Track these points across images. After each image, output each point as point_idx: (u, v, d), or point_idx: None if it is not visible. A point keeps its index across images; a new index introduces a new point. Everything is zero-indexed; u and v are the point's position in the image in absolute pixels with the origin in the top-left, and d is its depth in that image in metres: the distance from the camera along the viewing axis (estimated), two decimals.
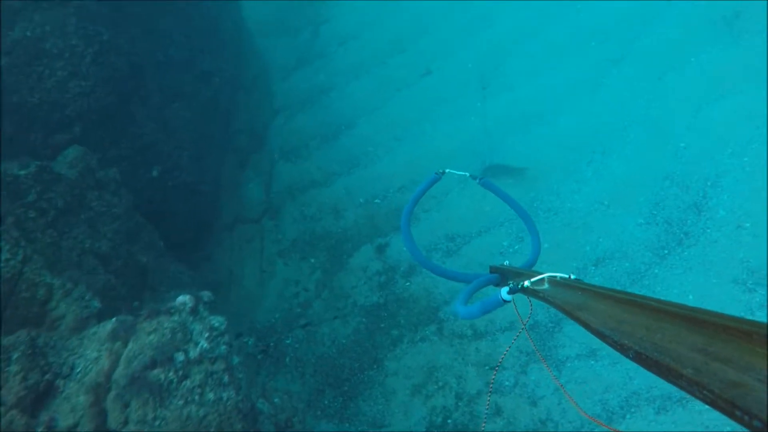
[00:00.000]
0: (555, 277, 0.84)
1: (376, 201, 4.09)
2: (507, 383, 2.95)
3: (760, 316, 2.81)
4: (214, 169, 4.33)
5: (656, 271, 3.22)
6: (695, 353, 0.44)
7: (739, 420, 0.37)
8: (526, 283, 0.86)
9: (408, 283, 3.51)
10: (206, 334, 1.72)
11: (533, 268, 1.03)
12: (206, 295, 1.87)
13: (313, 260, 3.91)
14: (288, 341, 3.45)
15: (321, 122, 4.86)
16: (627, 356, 0.51)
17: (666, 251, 3.27)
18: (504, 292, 0.92)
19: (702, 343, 0.45)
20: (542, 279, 0.84)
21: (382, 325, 3.38)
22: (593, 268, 3.27)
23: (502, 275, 1.10)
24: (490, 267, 1.22)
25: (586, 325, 0.62)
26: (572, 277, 0.84)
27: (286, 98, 5.31)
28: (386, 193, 4.14)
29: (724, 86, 3.79)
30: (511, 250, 3.48)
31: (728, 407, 0.38)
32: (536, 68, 4.43)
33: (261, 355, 3.45)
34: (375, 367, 3.21)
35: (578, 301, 0.69)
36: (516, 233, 3.57)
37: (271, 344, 3.43)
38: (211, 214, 4.18)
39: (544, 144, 3.95)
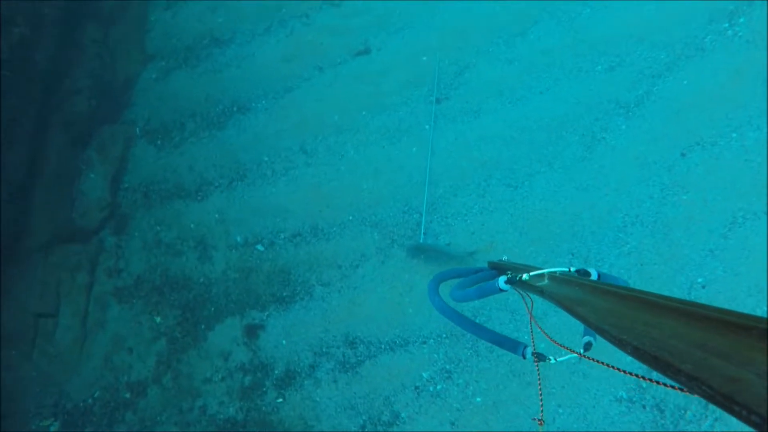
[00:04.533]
0: (555, 272, 1.12)
1: (259, 247, 4.09)
2: None
3: None
4: (23, 151, 4.20)
5: None
6: (694, 348, 0.56)
7: (737, 415, 0.47)
8: (525, 275, 1.15)
9: (281, 400, 3.66)
10: None
11: None
12: None
13: (159, 319, 4.00)
14: None
15: (207, 92, 4.66)
16: (626, 351, 0.65)
17: None
18: (501, 280, 1.23)
19: (701, 338, 0.57)
20: (542, 274, 1.12)
21: None
22: None
23: (500, 271, 1.42)
24: (489, 263, 1.64)
25: (585, 320, 0.81)
26: (572, 270, 1.13)
27: (166, 40, 5.02)
28: (275, 238, 4.12)
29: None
30: (430, 388, 3.53)
31: (727, 402, 0.48)
32: (518, 88, 4.14)
33: None
34: None
35: (577, 296, 0.91)
36: (443, 364, 3.58)
37: None
38: (13, 226, 4.15)
39: (511, 215, 3.83)
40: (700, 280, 3.42)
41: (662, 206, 3.65)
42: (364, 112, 4.47)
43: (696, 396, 0.53)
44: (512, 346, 1.32)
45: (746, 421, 0.46)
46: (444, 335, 3.72)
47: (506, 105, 4.23)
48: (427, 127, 4.30)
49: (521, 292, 1.29)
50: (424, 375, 3.66)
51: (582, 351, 1.27)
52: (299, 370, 3.80)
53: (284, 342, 3.91)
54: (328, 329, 3.90)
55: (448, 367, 3.65)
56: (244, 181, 4.45)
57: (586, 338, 1.34)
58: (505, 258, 1.62)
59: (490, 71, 4.37)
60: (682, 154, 3.78)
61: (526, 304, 1.34)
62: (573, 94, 4.13)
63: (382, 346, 3.77)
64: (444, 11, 4.68)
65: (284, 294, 4.07)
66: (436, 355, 3.69)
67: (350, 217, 4.16)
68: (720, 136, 3.75)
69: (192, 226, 4.42)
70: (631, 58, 4.10)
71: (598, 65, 4.18)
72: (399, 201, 4.13)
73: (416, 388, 3.63)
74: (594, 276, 1.15)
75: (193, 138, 4.68)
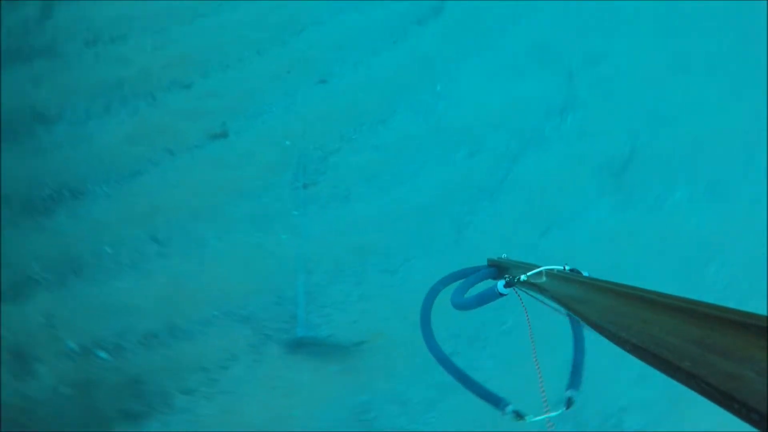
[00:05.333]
0: (552, 269, 1.19)
1: (101, 354, 3.66)
2: None
3: None
4: None
5: None
6: (693, 345, 0.59)
7: (736, 412, 0.49)
8: (522, 276, 1.21)
9: None
10: None
11: None
12: None
13: None
14: None
15: (31, 175, 4.25)
16: (625, 349, 0.69)
17: None
18: (500, 285, 1.30)
19: (700, 335, 0.59)
20: (540, 272, 1.18)
21: None
22: None
23: (499, 269, 1.52)
24: (488, 260, 1.76)
25: (585, 318, 0.84)
26: (566, 268, 1.19)
27: None
28: (122, 342, 3.76)
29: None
30: None
31: (726, 400, 0.50)
32: (385, 174, 4.45)
33: None
34: None
35: (577, 294, 0.96)
36: None
37: None
38: None
39: (393, 301, 3.94)
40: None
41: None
42: (224, 198, 4.40)
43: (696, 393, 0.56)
44: (495, 401, 1.36)
45: (745, 418, 0.48)
46: None
47: (376, 191, 4.49)
48: (295, 213, 4.35)
49: (526, 292, 1.34)
50: None
51: (564, 407, 1.38)
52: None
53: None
54: None
55: None
56: (81, 277, 4.03)
57: (569, 392, 1.45)
58: (504, 255, 1.74)
59: (356, 157, 4.63)
60: (542, 234, 4.31)
61: (527, 318, 1.43)
62: (439, 179, 4.54)
63: None
64: (304, 97, 4.92)
65: (137, 409, 3.66)
66: None
67: (215, 312, 3.96)
68: (572, 216, 4.38)
69: (5, 333, 3.83)
70: (489, 145, 4.67)
71: (459, 152, 4.68)
72: (271, 292, 4.05)
73: None
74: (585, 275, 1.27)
75: (11, 228, 4.16)
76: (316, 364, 3.79)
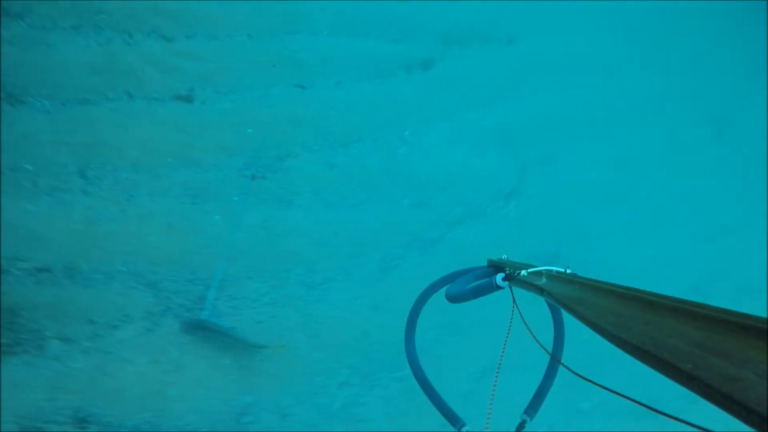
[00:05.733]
0: (551, 270, 1.19)
1: None
2: None
3: None
4: None
5: None
6: (693, 348, 0.60)
7: (737, 414, 0.49)
8: (523, 272, 1.22)
9: None
10: None
11: None
12: None
13: None
14: None
15: None
16: (625, 350, 0.70)
17: None
18: (499, 278, 1.30)
19: (700, 337, 0.61)
20: (540, 272, 1.20)
21: None
22: None
23: (497, 270, 1.42)
24: (488, 261, 1.70)
25: (584, 319, 0.86)
26: (568, 271, 1.18)
27: None
28: (11, 267, 3.48)
29: None
30: None
31: (726, 402, 0.50)
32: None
33: None
34: None
35: (576, 294, 0.98)
36: None
37: None
38: None
39: (303, 314, 3.90)
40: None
41: (437, 343, 4.21)
42: (170, 160, 4.26)
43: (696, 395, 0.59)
44: (453, 419, 1.40)
45: (746, 420, 0.48)
46: None
47: (319, 205, 4.53)
48: (236, 199, 4.27)
49: (524, 289, 1.33)
50: None
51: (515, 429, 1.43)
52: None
53: None
54: (55, 398, 3.31)
55: None
56: None
57: (525, 416, 1.49)
58: (504, 257, 1.69)
59: (311, 168, 4.66)
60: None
61: (518, 310, 1.38)
62: (380, 216, 4.65)
63: None
64: (279, 94, 4.92)
65: (2, 341, 3.33)
66: None
67: (123, 268, 3.76)
68: (492, 296, 4.59)
69: None
70: (434, 202, 4.86)
71: (407, 198, 4.84)
72: (187, 267, 3.92)
73: None
74: None
75: None
76: (209, 352, 3.66)
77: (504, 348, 1.42)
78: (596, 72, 5.92)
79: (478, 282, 1.47)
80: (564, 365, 1.20)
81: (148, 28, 4.75)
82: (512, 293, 1.39)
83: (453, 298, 1.58)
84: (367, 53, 5.36)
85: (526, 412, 1.46)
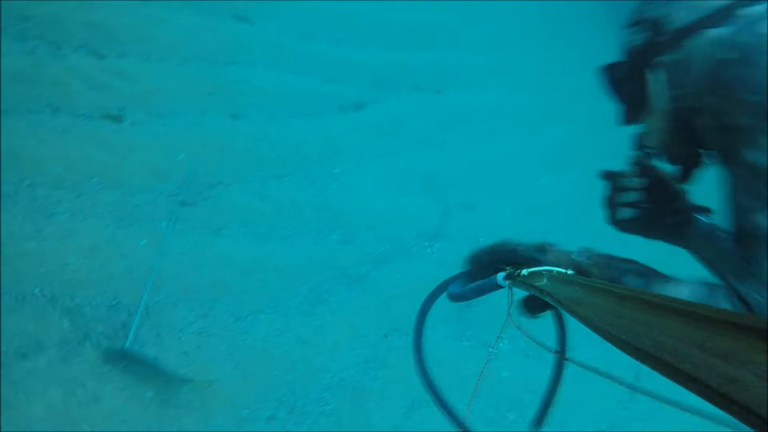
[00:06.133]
0: (552, 271, 1.19)
1: None
2: None
3: None
4: None
5: None
6: (693, 349, 0.59)
7: (736, 415, 0.48)
8: (524, 271, 1.22)
9: None
10: None
11: None
12: None
13: None
14: None
15: None
16: (626, 351, 0.68)
17: None
18: (500, 276, 1.29)
19: (700, 338, 0.60)
20: (541, 273, 1.20)
21: None
22: None
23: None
24: None
25: (585, 320, 0.83)
26: (569, 272, 1.19)
27: None
28: None
29: None
30: None
31: (726, 402, 0.50)
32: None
33: None
34: None
35: (577, 296, 0.98)
36: None
37: None
38: None
39: (230, 345, 3.79)
40: None
41: (363, 376, 4.22)
42: (95, 179, 4.07)
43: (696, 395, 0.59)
44: (459, 424, 1.37)
45: (745, 421, 0.49)
46: None
47: (247, 236, 4.48)
48: (164, 224, 4.13)
49: (525, 290, 1.32)
50: None
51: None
52: None
53: None
54: None
55: None
56: None
57: (531, 430, 1.52)
58: None
59: (241, 198, 4.62)
60: (385, 336, 4.54)
61: (510, 312, 1.37)
62: (309, 250, 4.66)
63: None
64: (214, 118, 4.88)
65: None
66: None
67: (36, 291, 3.49)
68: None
69: None
70: (361, 239, 4.94)
71: (334, 234, 4.89)
72: (108, 292, 3.71)
73: None
74: None
75: None
76: (129, 383, 3.43)
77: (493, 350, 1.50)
78: (518, 123, 6.37)
79: (480, 282, 1.43)
80: (570, 360, 1.25)
81: (78, 42, 4.58)
82: (511, 293, 1.36)
83: (456, 297, 1.56)
84: (302, 90, 5.45)
85: (532, 426, 1.43)
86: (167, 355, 3.69)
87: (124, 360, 3.50)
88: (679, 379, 0.58)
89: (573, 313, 0.96)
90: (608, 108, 1.60)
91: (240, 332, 4.01)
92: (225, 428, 3.60)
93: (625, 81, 1.42)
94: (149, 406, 3.50)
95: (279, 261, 4.51)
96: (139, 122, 4.50)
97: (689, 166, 1.47)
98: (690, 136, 1.32)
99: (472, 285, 1.49)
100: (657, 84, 1.32)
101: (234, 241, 4.40)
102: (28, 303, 3.45)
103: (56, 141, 4.07)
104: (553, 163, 6.41)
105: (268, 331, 4.13)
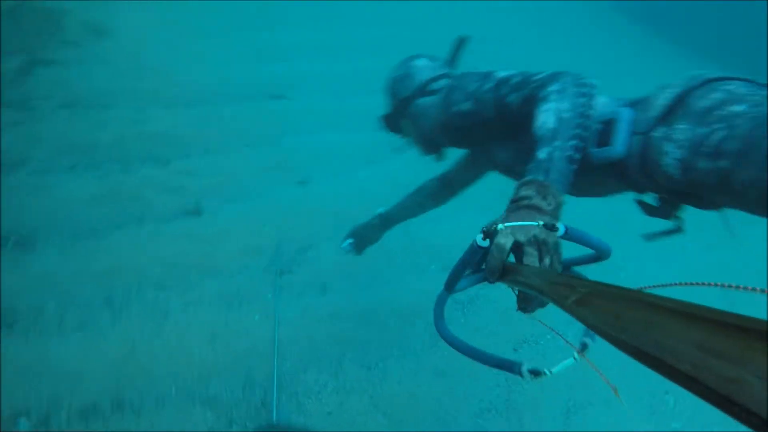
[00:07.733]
0: (532, 225, 1.31)
1: (22, 425, 2.97)
2: None
3: None
4: None
5: None
6: (693, 349, 0.59)
7: (735, 416, 0.48)
8: (500, 225, 1.32)
9: None
10: None
11: None
12: None
13: None
14: None
15: None
16: (626, 352, 0.68)
17: None
18: (479, 238, 1.34)
19: (700, 339, 0.59)
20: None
21: None
22: None
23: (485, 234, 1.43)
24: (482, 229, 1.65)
25: (584, 320, 0.84)
26: (540, 223, 1.30)
27: None
28: (53, 412, 3.19)
29: None
30: None
31: (725, 403, 0.50)
32: None
33: None
34: None
35: (576, 296, 0.93)
36: None
37: None
38: None
39: (371, 396, 3.64)
40: None
41: (510, 393, 3.99)
42: (194, 272, 4.10)
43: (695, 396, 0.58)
44: (509, 366, 1.33)
45: (745, 422, 0.48)
46: None
47: (355, 288, 4.40)
48: (270, 296, 4.09)
49: (522, 290, 1.39)
50: None
51: (577, 355, 1.31)
52: None
53: None
54: None
55: None
56: (12, 332, 3.41)
57: (586, 339, 1.39)
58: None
59: (333, 254, 4.56)
60: (515, 349, 4.32)
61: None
62: (417, 287, 4.54)
63: None
64: (281, 189, 4.95)
65: None
66: None
67: (173, 390, 3.44)
68: (541, 334, 4.46)
69: None
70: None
71: (433, 264, 4.76)
72: (239, 373, 3.64)
73: None
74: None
75: None
76: None
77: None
78: None
79: (461, 256, 1.45)
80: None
81: (143, 155, 4.77)
82: (513, 290, 1.39)
83: (450, 285, 1.57)
84: (354, 144, 5.54)
85: (586, 335, 1.38)
86: (313, 419, 3.55)
87: None
88: (679, 380, 0.58)
89: (572, 312, 0.93)
90: None
91: (376, 381, 3.86)
92: None
93: (392, 122, 2.51)
94: None
95: (392, 304, 4.40)
96: (217, 210, 4.58)
97: (435, 154, 2.49)
98: (432, 142, 2.38)
99: (472, 278, 1.52)
100: (407, 124, 2.43)
101: (342, 295, 4.33)
102: (168, 403, 3.39)
103: (149, 246, 4.14)
104: None
105: (402, 374, 3.97)
